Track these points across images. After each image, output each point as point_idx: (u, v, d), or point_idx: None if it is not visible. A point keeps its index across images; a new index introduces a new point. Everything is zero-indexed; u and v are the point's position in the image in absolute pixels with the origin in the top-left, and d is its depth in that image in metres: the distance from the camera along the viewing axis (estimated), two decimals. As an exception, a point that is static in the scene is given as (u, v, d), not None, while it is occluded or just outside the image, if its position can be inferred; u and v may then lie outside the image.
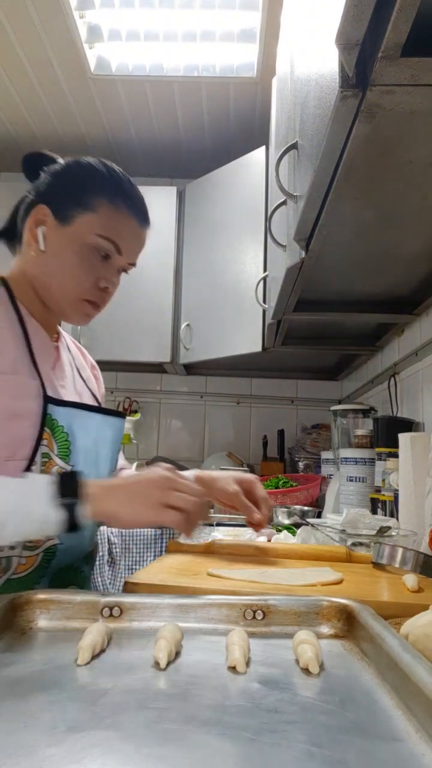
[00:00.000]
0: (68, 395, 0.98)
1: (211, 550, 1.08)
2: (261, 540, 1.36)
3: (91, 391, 1.09)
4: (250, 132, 2.67)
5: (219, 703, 0.45)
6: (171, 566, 0.93)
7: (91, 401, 1.06)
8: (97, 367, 1.20)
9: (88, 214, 0.92)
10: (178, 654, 0.55)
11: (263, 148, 2.34)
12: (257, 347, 2.26)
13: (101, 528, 1.33)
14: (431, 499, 1.19)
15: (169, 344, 2.57)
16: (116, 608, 0.63)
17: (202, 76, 2.29)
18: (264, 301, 2.10)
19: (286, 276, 1.33)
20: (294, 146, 1.08)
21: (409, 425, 1.68)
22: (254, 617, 0.63)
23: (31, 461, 0.84)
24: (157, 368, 2.78)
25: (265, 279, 2.12)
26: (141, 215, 0.97)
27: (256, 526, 1.07)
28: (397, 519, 1.35)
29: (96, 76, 2.31)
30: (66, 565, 0.92)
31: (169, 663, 0.52)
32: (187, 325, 2.54)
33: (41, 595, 0.64)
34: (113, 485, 0.80)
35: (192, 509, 0.80)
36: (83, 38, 2.13)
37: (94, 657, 0.54)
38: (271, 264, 1.90)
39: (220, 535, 1.41)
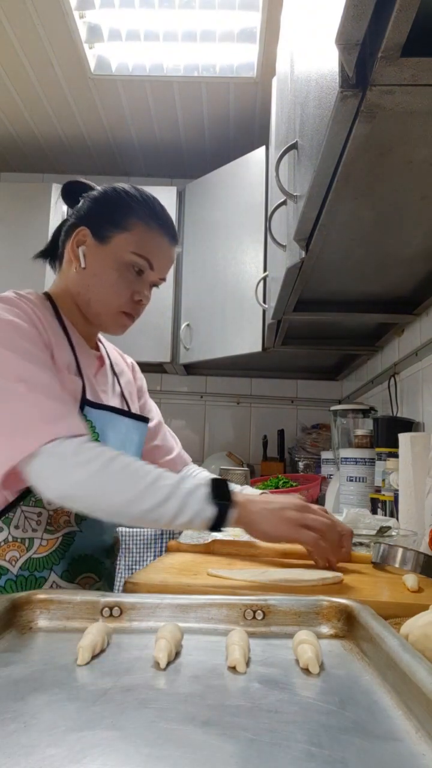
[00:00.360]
0: (108, 400, 1.08)
1: (211, 550, 1.08)
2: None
3: (126, 396, 1.17)
4: (250, 132, 2.67)
5: (219, 703, 0.45)
6: (171, 566, 0.93)
7: (128, 405, 1.15)
8: (136, 365, 1.31)
9: (123, 233, 1.02)
10: (178, 654, 0.55)
11: (263, 148, 2.34)
12: (257, 347, 2.26)
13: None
14: (431, 499, 1.19)
15: (169, 344, 2.57)
16: (116, 608, 0.63)
17: (202, 76, 2.29)
18: (264, 301, 2.10)
19: (286, 276, 1.33)
20: (294, 146, 1.08)
21: (409, 425, 1.68)
22: (254, 617, 0.63)
23: None
24: (157, 368, 2.78)
25: (265, 279, 2.12)
26: (171, 234, 1.07)
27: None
28: (397, 519, 1.35)
29: (96, 76, 2.31)
30: (86, 554, 0.98)
31: (169, 663, 0.52)
32: (187, 325, 2.54)
33: (41, 595, 0.64)
34: (256, 499, 0.87)
35: (327, 531, 0.86)
36: (83, 38, 2.13)
37: (94, 657, 0.54)
38: (271, 264, 1.90)
39: (220, 535, 1.41)
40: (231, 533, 1.44)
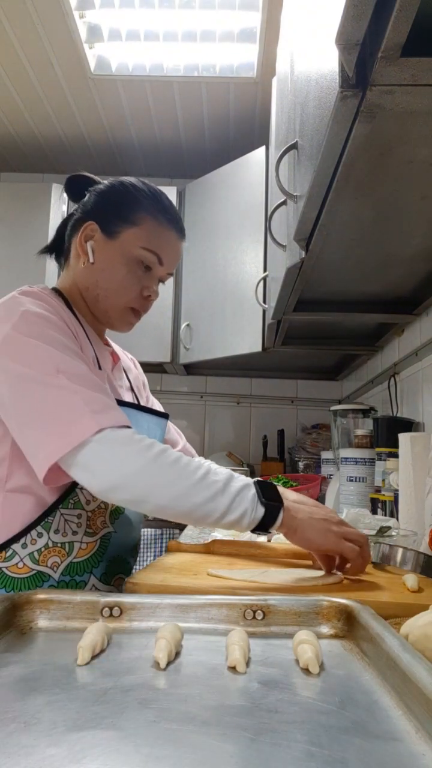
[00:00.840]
0: (124, 395, 1.08)
1: (211, 550, 1.08)
2: (261, 540, 1.36)
3: (135, 391, 1.17)
4: (250, 132, 2.67)
5: (219, 703, 0.45)
6: (171, 566, 0.93)
7: (138, 400, 1.15)
8: (137, 361, 1.30)
9: (132, 228, 1.00)
10: (178, 654, 0.55)
11: (263, 148, 2.34)
12: (257, 347, 2.26)
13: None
14: (431, 499, 1.19)
15: (169, 344, 2.57)
16: (116, 608, 0.63)
17: (202, 76, 2.29)
18: (264, 301, 2.10)
19: (286, 276, 1.33)
20: (294, 146, 1.08)
21: (409, 425, 1.68)
22: (254, 617, 0.63)
23: None
24: (158, 368, 2.78)
25: (265, 279, 2.12)
26: (179, 228, 1.06)
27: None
28: (397, 519, 1.34)
29: (96, 76, 2.31)
30: (118, 554, 0.98)
31: (169, 663, 0.52)
32: (187, 325, 2.54)
33: (41, 595, 0.64)
34: (302, 507, 0.85)
35: (364, 545, 0.85)
36: (83, 38, 2.13)
37: (94, 657, 0.54)
38: (271, 264, 1.90)
39: (220, 535, 1.41)
40: (230, 533, 1.44)
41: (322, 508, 0.88)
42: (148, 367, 2.79)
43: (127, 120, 2.61)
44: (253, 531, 0.82)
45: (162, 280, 1.08)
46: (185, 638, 0.58)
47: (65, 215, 2.65)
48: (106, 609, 0.63)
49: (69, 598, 0.64)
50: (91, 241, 1.01)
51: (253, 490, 0.81)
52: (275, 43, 1.84)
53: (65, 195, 2.68)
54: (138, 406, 1.06)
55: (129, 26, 2.14)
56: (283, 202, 1.33)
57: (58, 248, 1.11)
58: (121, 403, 1.01)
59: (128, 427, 0.84)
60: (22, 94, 2.45)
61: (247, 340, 2.30)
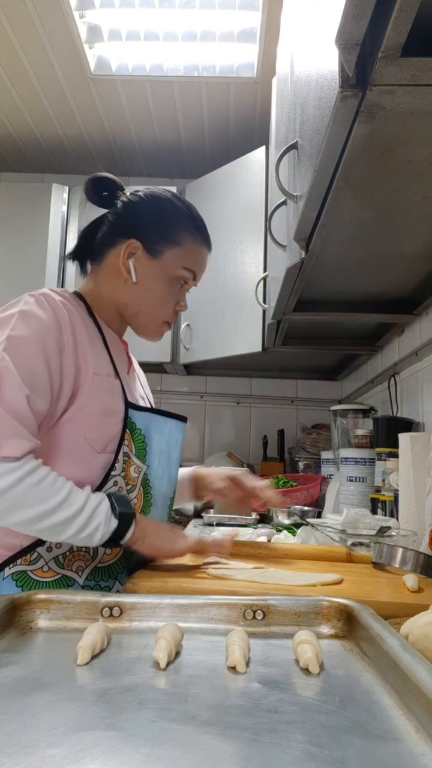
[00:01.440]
0: (138, 399, 1.09)
1: (211, 550, 1.08)
2: (261, 540, 1.36)
3: (147, 395, 1.19)
4: (250, 132, 2.67)
5: (219, 703, 0.45)
6: (171, 566, 0.93)
7: (150, 403, 1.18)
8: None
9: (175, 248, 1.03)
10: (178, 654, 0.55)
11: (263, 148, 2.34)
12: (257, 347, 2.26)
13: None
14: (431, 499, 1.19)
15: (169, 344, 2.57)
16: (116, 608, 0.63)
17: (202, 76, 2.29)
18: (264, 301, 2.10)
19: (286, 276, 1.33)
20: (294, 146, 1.08)
21: (409, 425, 1.68)
22: (254, 617, 0.63)
23: (115, 458, 0.95)
24: (158, 368, 2.78)
25: (265, 279, 2.12)
26: (209, 243, 1.10)
27: (262, 506, 1.18)
28: (397, 519, 1.35)
29: (96, 76, 2.31)
30: (141, 559, 0.98)
31: (169, 663, 0.52)
32: (187, 325, 2.54)
33: (41, 595, 0.64)
34: (149, 520, 0.94)
35: (198, 547, 0.94)
36: (83, 38, 2.13)
37: (94, 657, 0.54)
38: (271, 264, 1.90)
39: (220, 535, 1.41)
40: (231, 533, 1.44)
41: (169, 525, 0.98)
42: (148, 367, 2.79)
43: (127, 120, 2.61)
44: (104, 545, 0.87)
45: (188, 291, 1.12)
46: (185, 638, 0.58)
47: (65, 216, 2.68)
48: (106, 609, 0.63)
49: (69, 598, 0.64)
50: (133, 259, 1.02)
51: (107, 505, 0.87)
52: (275, 43, 1.84)
53: (65, 195, 2.70)
54: (160, 411, 1.07)
55: (129, 26, 2.14)
56: (283, 202, 1.33)
57: (84, 253, 1.10)
58: (143, 408, 1.03)
59: (15, 458, 0.83)
60: (22, 94, 2.45)
61: (247, 340, 2.30)
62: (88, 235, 1.08)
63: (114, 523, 0.86)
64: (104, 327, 1.04)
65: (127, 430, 0.98)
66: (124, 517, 0.87)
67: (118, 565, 0.97)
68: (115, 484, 0.96)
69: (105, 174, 1.08)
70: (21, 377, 0.85)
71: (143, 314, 1.05)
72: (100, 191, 1.07)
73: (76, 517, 0.84)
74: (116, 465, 0.96)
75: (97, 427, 0.94)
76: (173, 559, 0.93)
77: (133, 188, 1.10)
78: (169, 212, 1.04)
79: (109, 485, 0.95)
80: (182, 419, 1.11)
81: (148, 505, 1.02)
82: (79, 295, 1.04)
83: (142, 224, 1.03)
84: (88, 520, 0.84)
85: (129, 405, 0.99)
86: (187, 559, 0.94)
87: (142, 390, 1.16)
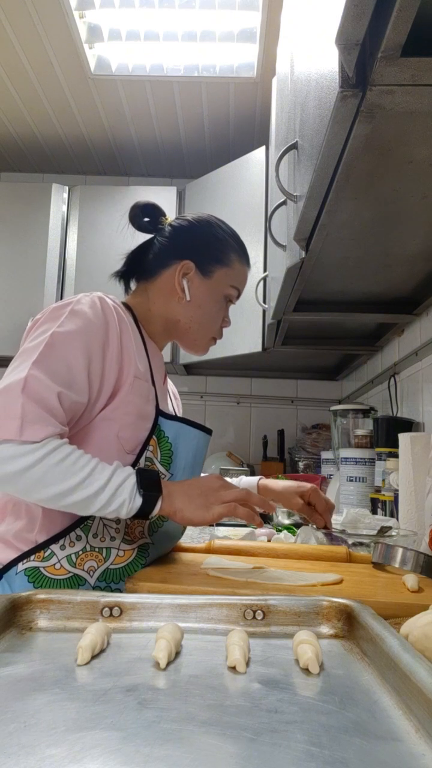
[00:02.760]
0: (169, 409, 1.14)
1: (211, 550, 1.08)
2: (261, 540, 1.36)
3: (176, 407, 1.24)
4: (250, 132, 2.67)
5: (219, 703, 0.45)
6: (171, 566, 0.93)
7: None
8: None
9: (225, 269, 1.11)
10: (178, 654, 0.55)
11: (263, 148, 2.34)
12: (257, 347, 2.26)
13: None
14: (431, 499, 1.19)
15: (169, 344, 2.56)
16: (116, 608, 0.63)
17: (202, 76, 2.29)
18: (264, 301, 2.10)
19: (286, 276, 1.33)
20: (294, 146, 1.08)
21: (409, 425, 1.68)
22: (254, 617, 0.63)
23: (136, 461, 0.97)
24: (157, 368, 2.78)
25: (265, 279, 2.12)
26: (249, 262, 1.17)
27: (323, 528, 1.19)
28: (397, 519, 1.35)
29: (96, 76, 2.31)
30: (153, 564, 0.99)
31: (169, 663, 0.52)
32: (187, 325, 2.54)
33: (41, 595, 0.64)
34: (178, 489, 0.92)
35: (246, 497, 0.92)
36: (83, 38, 2.13)
37: (94, 657, 0.54)
38: (271, 264, 1.90)
39: (220, 535, 1.42)
40: (231, 533, 1.44)
41: (202, 483, 0.93)
42: (148, 367, 2.81)
43: (127, 120, 2.61)
44: (134, 517, 0.88)
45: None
46: (185, 638, 0.58)
47: (65, 216, 2.68)
48: (106, 609, 0.63)
49: (69, 598, 0.64)
50: (186, 278, 1.09)
51: (133, 481, 0.87)
52: (275, 43, 1.84)
53: (65, 195, 2.71)
54: (189, 422, 1.09)
55: (129, 26, 2.14)
56: (283, 202, 1.33)
57: (132, 272, 1.16)
58: (173, 417, 1.06)
59: (34, 442, 0.84)
60: (22, 94, 2.45)
61: (247, 340, 2.30)
62: (137, 256, 1.15)
63: (139, 500, 0.86)
64: (147, 339, 1.09)
65: (154, 437, 1.00)
66: (150, 495, 0.87)
67: (130, 568, 0.97)
68: None
69: (150, 202, 1.15)
70: (54, 372, 0.87)
71: (194, 330, 1.12)
72: (144, 217, 1.13)
73: (98, 495, 0.84)
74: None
75: (130, 428, 0.96)
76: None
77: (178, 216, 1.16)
78: (218, 235, 1.12)
79: None
80: (208, 432, 1.14)
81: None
82: (127, 306, 1.09)
83: (194, 246, 1.10)
84: (111, 497, 0.85)
85: (160, 413, 1.02)
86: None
87: (171, 402, 1.20)
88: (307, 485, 1.19)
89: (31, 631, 0.61)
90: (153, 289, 1.11)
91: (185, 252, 1.09)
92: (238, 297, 1.16)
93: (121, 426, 0.96)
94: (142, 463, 0.98)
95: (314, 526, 1.17)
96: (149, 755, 0.37)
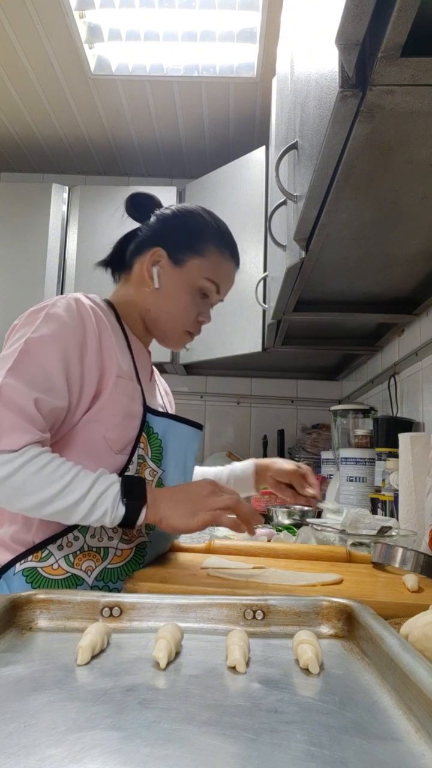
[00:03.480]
0: (157, 405, 1.11)
1: (211, 550, 1.08)
2: (261, 540, 1.36)
3: (167, 403, 1.22)
4: (250, 132, 2.67)
5: (219, 703, 0.45)
6: (171, 566, 0.93)
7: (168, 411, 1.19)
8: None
9: (198, 259, 1.06)
10: (178, 654, 0.55)
11: (263, 148, 2.34)
12: (257, 347, 2.26)
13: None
14: (431, 499, 1.19)
15: (168, 344, 2.56)
16: (116, 608, 0.63)
17: (202, 76, 2.29)
18: (264, 301, 2.10)
19: (286, 276, 1.33)
20: (294, 146, 1.08)
21: (409, 425, 1.68)
22: (254, 617, 0.63)
23: (129, 460, 0.97)
24: (158, 368, 2.77)
25: (265, 279, 2.12)
26: (237, 259, 1.12)
27: (308, 499, 1.21)
28: (397, 519, 1.35)
29: (96, 76, 2.31)
30: (152, 563, 0.99)
31: (169, 663, 0.52)
32: (187, 325, 2.54)
33: (41, 595, 0.64)
34: (164, 497, 0.90)
35: (236, 505, 0.89)
36: (83, 38, 2.13)
37: (94, 657, 0.54)
38: (271, 264, 1.90)
39: (220, 535, 1.42)
40: (231, 533, 1.44)
41: (191, 489, 0.91)
42: (148, 367, 2.81)
43: (127, 120, 2.61)
44: (120, 525, 0.87)
45: (213, 305, 1.13)
46: (185, 638, 0.58)
47: (65, 216, 2.67)
48: (106, 609, 0.63)
49: (69, 598, 0.64)
50: (157, 267, 1.06)
51: (116, 490, 0.86)
52: (275, 43, 1.84)
53: (65, 195, 2.70)
54: (178, 417, 1.08)
55: (129, 26, 2.14)
56: (283, 202, 1.33)
57: (116, 263, 1.14)
58: (161, 414, 1.05)
59: (11, 451, 0.84)
60: (22, 94, 2.45)
61: (247, 340, 2.30)
62: (120, 246, 1.13)
63: (122, 510, 0.85)
64: (130, 335, 1.07)
65: (144, 434, 0.99)
66: (133, 504, 0.86)
67: (127, 567, 0.97)
68: None
69: (143, 192, 1.13)
70: (30, 379, 0.87)
71: (164, 321, 1.08)
72: (138, 207, 1.11)
73: (79, 504, 0.83)
74: (129, 467, 0.97)
75: (117, 428, 0.96)
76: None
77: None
78: (195, 224, 1.08)
79: None
80: (198, 426, 1.13)
81: None
82: (110, 303, 1.08)
83: (169, 234, 1.07)
84: (93, 506, 0.84)
85: (148, 409, 1.01)
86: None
87: (161, 399, 1.18)
88: (305, 466, 1.23)
89: (31, 631, 0.61)
90: (130, 281, 1.10)
91: (159, 240, 1.07)
92: (218, 293, 1.10)
93: (108, 427, 0.95)
94: (134, 460, 0.97)
95: (296, 498, 1.22)
96: (149, 755, 0.37)
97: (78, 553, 0.93)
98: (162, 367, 2.76)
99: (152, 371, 1.15)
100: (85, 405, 0.94)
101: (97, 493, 0.85)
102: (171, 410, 1.24)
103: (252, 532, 0.92)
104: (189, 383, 3.00)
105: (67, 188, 2.70)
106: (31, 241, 2.60)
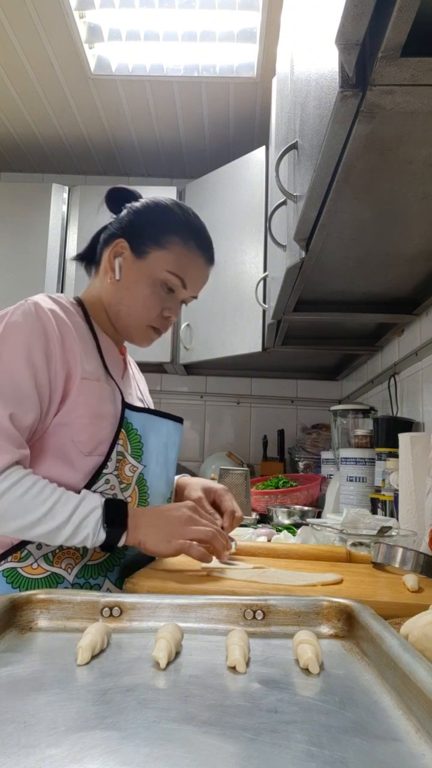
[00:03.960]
0: (135, 401, 1.10)
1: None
2: (261, 540, 1.36)
3: (146, 399, 1.20)
4: (250, 132, 2.67)
5: (219, 703, 0.45)
6: (171, 566, 0.93)
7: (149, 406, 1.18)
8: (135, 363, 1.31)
9: (161, 251, 1.03)
10: (178, 654, 0.55)
11: (263, 148, 2.34)
12: (257, 347, 2.26)
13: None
14: (431, 499, 1.19)
15: (169, 344, 2.57)
16: (116, 608, 0.63)
17: (202, 76, 2.29)
18: (264, 301, 2.10)
19: (286, 276, 1.33)
20: (294, 146, 1.08)
21: (409, 425, 1.68)
22: (254, 617, 0.63)
23: (107, 458, 0.96)
24: (158, 368, 2.78)
25: (265, 279, 2.12)
26: (208, 255, 1.09)
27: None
28: (397, 519, 1.35)
29: (96, 76, 2.31)
30: (133, 560, 0.99)
31: (169, 663, 0.52)
32: (187, 325, 2.54)
33: (41, 595, 0.64)
34: (144, 521, 0.90)
35: (212, 537, 0.90)
36: (83, 38, 2.13)
37: (94, 657, 0.54)
38: (271, 264, 1.90)
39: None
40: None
41: (173, 513, 0.92)
42: (148, 367, 2.80)
43: (127, 120, 2.61)
44: (101, 548, 0.89)
45: (185, 302, 1.10)
46: (185, 638, 0.58)
47: (65, 216, 2.68)
48: (106, 609, 0.63)
49: (69, 598, 0.64)
50: (120, 258, 1.04)
51: (98, 516, 0.87)
52: (275, 43, 1.84)
53: (65, 195, 2.71)
54: (157, 412, 1.07)
55: (129, 26, 2.13)
56: (283, 202, 1.33)
57: (91, 257, 1.12)
58: (139, 409, 1.04)
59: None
60: (22, 94, 2.45)
61: (247, 340, 2.30)
62: (95, 239, 1.12)
63: (102, 535, 0.87)
64: (99, 332, 1.05)
65: (123, 430, 0.99)
66: (113, 531, 0.87)
67: (108, 562, 0.97)
68: (107, 482, 0.96)
69: (121, 186, 1.12)
70: (4, 395, 0.87)
71: (125, 315, 1.05)
72: (115, 201, 1.10)
73: (62, 529, 0.85)
74: (108, 464, 0.96)
75: (85, 431, 0.94)
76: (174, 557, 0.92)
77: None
78: (161, 216, 1.05)
79: (100, 483, 0.95)
80: (179, 420, 1.12)
81: (145, 505, 1.03)
82: (79, 302, 1.06)
83: (132, 225, 1.05)
84: (75, 531, 0.86)
85: (126, 405, 1.00)
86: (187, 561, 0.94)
87: (139, 393, 1.17)
88: (216, 486, 1.16)
89: (31, 631, 0.61)
90: (98, 275, 1.09)
91: (123, 231, 1.05)
92: (186, 288, 1.06)
93: (75, 430, 0.94)
94: (113, 458, 0.96)
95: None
96: (149, 755, 0.37)
97: (57, 551, 0.93)
98: (162, 367, 2.76)
99: (125, 367, 1.13)
100: (54, 410, 0.94)
101: (79, 518, 0.86)
102: (148, 404, 1.22)
103: (220, 560, 0.93)
104: (189, 383, 3.00)
105: (67, 188, 2.70)
106: (31, 241, 2.60)
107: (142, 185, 3.00)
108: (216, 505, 1.13)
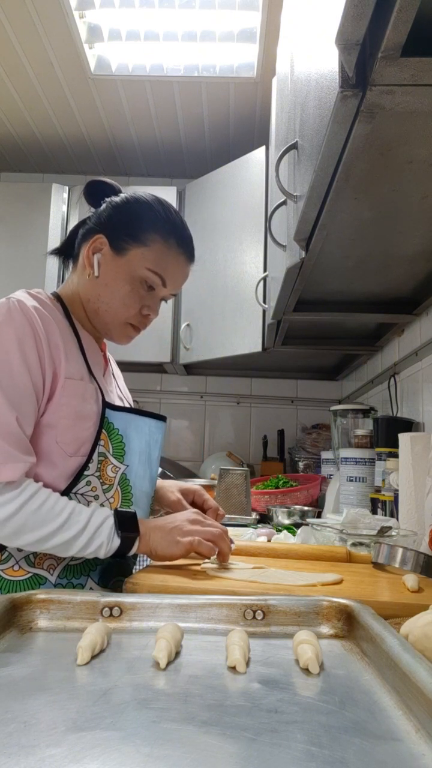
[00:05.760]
0: (115, 400, 1.09)
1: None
2: (261, 540, 1.36)
3: (125, 396, 1.18)
4: (250, 132, 2.67)
5: (219, 703, 0.45)
6: (171, 566, 0.93)
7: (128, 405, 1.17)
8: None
9: (141, 248, 1.01)
10: (178, 654, 0.55)
11: (263, 148, 2.34)
12: (257, 347, 2.26)
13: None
14: (431, 499, 1.19)
15: (169, 344, 2.57)
16: (116, 608, 0.63)
17: (202, 76, 2.29)
18: (264, 301, 2.10)
19: (286, 276, 1.33)
20: (294, 146, 1.08)
21: (409, 425, 1.68)
22: (254, 617, 0.63)
23: (89, 459, 0.96)
24: (157, 368, 2.78)
25: (265, 279, 2.12)
26: (188, 252, 1.07)
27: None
28: (397, 519, 1.35)
29: (96, 76, 2.31)
30: (116, 560, 0.99)
31: (169, 663, 0.52)
32: (187, 325, 2.54)
33: (41, 595, 0.64)
34: (154, 529, 0.92)
35: (218, 538, 0.92)
36: (83, 38, 2.13)
37: (94, 657, 0.54)
38: (271, 264, 1.90)
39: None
40: (231, 534, 1.44)
41: (178, 517, 0.95)
42: (147, 367, 2.82)
43: (127, 120, 2.61)
44: (113, 556, 0.90)
45: (165, 300, 1.09)
46: (185, 638, 0.58)
47: (65, 216, 2.68)
48: (106, 609, 0.63)
49: (69, 598, 0.64)
50: (99, 254, 1.02)
51: (111, 524, 0.89)
52: (275, 43, 1.84)
53: (65, 195, 2.70)
54: (138, 411, 1.07)
55: (129, 26, 2.13)
56: (283, 202, 1.33)
57: (68, 252, 1.11)
58: (120, 408, 1.03)
59: (11, 482, 0.86)
60: (22, 94, 2.45)
61: (247, 340, 2.30)
62: (73, 234, 1.09)
63: (117, 542, 0.88)
64: (80, 329, 1.04)
65: (104, 431, 0.98)
66: (127, 537, 0.89)
67: (90, 562, 0.97)
68: (88, 483, 0.96)
69: (101, 179, 1.09)
70: (8, 397, 0.87)
71: (103, 311, 1.03)
72: (94, 195, 1.08)
73: (77, 538, 0.86)
74: (90, 465, 0.96)
75: (69, 431, 0.94)
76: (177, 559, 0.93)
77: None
78: (141, 213, 1.03)
79: (81, 485, 0.95)
80: (161, 418, 1.11)
81: (128, 504, 1.02)
82: (58, 297, 1.05)
83: (112, 221, 1.03)
84: (90, 539, 0.87)
85: (107, 405, 0.99)
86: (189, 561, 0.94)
87: (119, 391, 1.15)
88: (194, 486, 1.17)
89: (31, 631, 0.61)
90: (76, 271, 1.07)
91: (103, 227, 1.03)
92: (166, 286, 1.04)
93: (59, 431, 0.93)
94: (95, 459, 0.96)
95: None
96: (149, 755, 0.37)
97: (38, 552, 0.92)
98: (162, 367, 2.76)
99: (106, 365, 1.12)
100: (42, 410, 0.93)
101: (94, 527, 0.87)
102: (128, 401, 1.20)
103: (223, 561, 0.94)
104: (189, 383, 3.00)
105: (67, 188, 2.70)
106: (31, 241, 2.60)
107: (142, 185, 3.01)
108: (197, 505, 1.14)
